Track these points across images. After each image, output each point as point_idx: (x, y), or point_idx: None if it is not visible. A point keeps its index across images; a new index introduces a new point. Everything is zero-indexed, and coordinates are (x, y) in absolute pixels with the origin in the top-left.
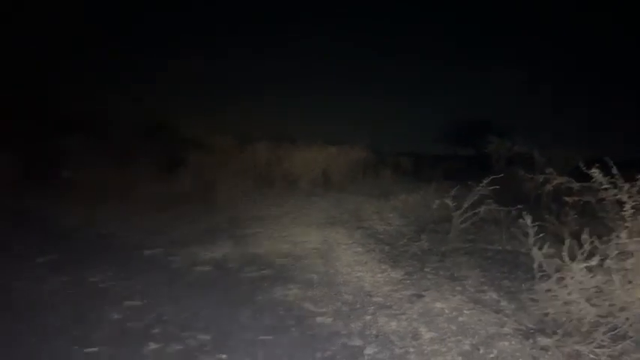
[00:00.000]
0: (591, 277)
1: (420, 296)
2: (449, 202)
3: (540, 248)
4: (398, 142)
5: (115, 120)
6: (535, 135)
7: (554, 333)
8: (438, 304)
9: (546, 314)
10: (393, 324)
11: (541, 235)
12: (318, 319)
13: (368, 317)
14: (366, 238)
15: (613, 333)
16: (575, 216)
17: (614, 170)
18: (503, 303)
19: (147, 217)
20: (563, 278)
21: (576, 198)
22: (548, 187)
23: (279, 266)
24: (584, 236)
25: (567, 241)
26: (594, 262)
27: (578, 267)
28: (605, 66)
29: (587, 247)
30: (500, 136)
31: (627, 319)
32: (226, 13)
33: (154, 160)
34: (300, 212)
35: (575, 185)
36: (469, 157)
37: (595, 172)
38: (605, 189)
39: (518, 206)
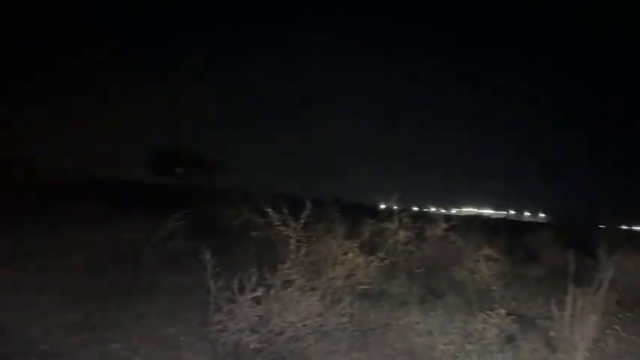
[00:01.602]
0: (257, 306)
1: (98, 339)
2: (139, 236)
3: (216, 282)
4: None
5: None
6: (243, 171)
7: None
8: (115, 346)
9: (223, 344)
10: None
11: (221, 268)
12: None
13: None
14: (37, 276)
15: (273, 355)
16: (256, 249)
17: (285, 210)
18: (184, 337)
19: None
20: (232, 309)
21: (259, 232)
22: (239, 221)
23: None
24: (253, 269)
25: (238, 275)
26: (259, 292)
27: (245, 298)
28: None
29: (254, 279)
30: (208, 170)
31: (282, 342)
32: None
33: None
34: None
35: (260, 221)
36: (173, 187)
37: (269, 211)
38: (277, 225)
39: (206, 240)
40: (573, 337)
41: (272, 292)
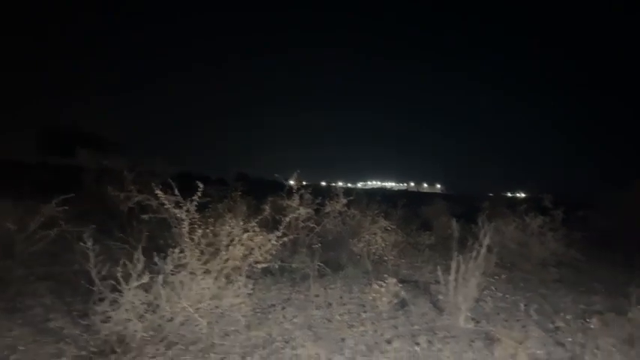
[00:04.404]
0: (146, 294)
1: None
2: (14, 222)
3: (100, 270)
4: None
5: None
6: (137, 149)
7: (113, 352)
8: None
9: (107, 335)
10: None
11: (106, 255)
12: None
13: None
14: None
15: (163, 342)
16: (147, 233)
17: (177, 191)
18: (67, 330)
19: None
20: (117, 299)
21: (152, 215)
22: (130, 204)
23: None
24: (137, 256)
25: (123, 261)
26: (146, 279)
27: (132, 286)
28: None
29: (140, 265)
30: (97, 149)
31: (171, 327)
32: None
33: None
34: None
35: (154, 203)
36: (61, 167)
37: (159, 192)
38: (168, 207)
39: (92, 226)
40: (457, 299)
41: (160, 277)
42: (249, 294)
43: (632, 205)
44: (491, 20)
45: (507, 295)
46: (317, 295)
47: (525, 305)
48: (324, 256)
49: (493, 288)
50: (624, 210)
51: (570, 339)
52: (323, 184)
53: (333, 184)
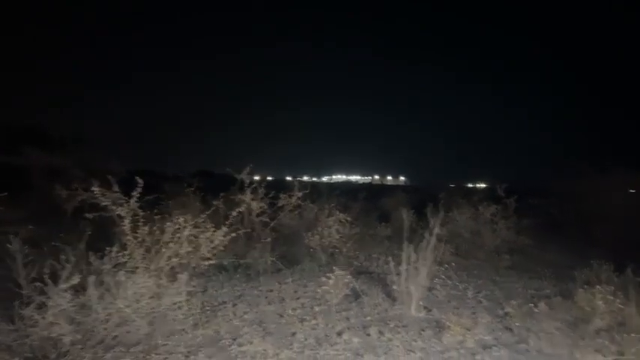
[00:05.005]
0: (78, 296)
1: None
2: None
3: (29, 273)
4: None
5: None
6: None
7: (45, 358)
8: None
9: (35, 340)
10: None
11: (37, 256)
12: None
13: None
14: None
15: (102, 345)
16: (90, 233)
17: (116, 188)
18: None
19: None
20: (45, 302)
21: (96, 214)
22: (75, 202)
23: None
24: (65, 256)
25: (53, 262)
26: (76, 280)
27: (60, 288)
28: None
29: (70, 266)
30: (45, 147)
31: (106, 329)
32: None
33: None
34: None
35: (100, 201)
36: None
37: (96, 190)
38: (108, 205)
39: (30, 227)
40: (409, 288)
41: (92, 278)
42: (203, 291)
43: (579, 193)
44: (443, 8)
45: (460, 283)
46: (270, 291)
47: (477, 292)
48: (281, 251)
49: (445, 276)
50: (572, 198)
51: (518, 324)
52: (288, 178)
53: (299, 179)
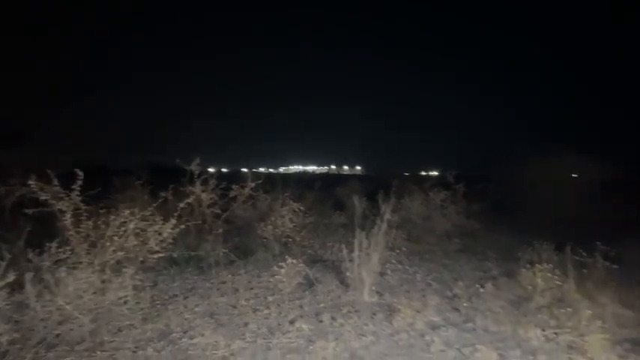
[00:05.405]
0: (14, 294)
1: None
2: None
3: None
4: None
5: None
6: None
7: None
8: None
9: None
10: None
11: None
12: None
13: None
14: None
15: (44, 344)
16: (30, 229)
17: (55, 182)
18: None
19: None
20: None
21: (36, 209)
22: (13, 198)
23: None
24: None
25: None
26: (11, 278)
27: None
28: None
29: (4, 264)
30: None
31: (46, 327)
32: None
33: None
34: None
35: (41, 196)
36: None
37: (33, 183)
38: (48, 200)
39: None
40: (361, 274)
41: (29, 275)
42: (153, 285)
43: (524, 179)
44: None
45: (411, 267)
46: (223, 282)
47: (427, 275)
48: (234, 242)
49: (396, 261)
50: (518, 183)
51: (466, 304)
52: (244, 170)
53: (255, 170)
